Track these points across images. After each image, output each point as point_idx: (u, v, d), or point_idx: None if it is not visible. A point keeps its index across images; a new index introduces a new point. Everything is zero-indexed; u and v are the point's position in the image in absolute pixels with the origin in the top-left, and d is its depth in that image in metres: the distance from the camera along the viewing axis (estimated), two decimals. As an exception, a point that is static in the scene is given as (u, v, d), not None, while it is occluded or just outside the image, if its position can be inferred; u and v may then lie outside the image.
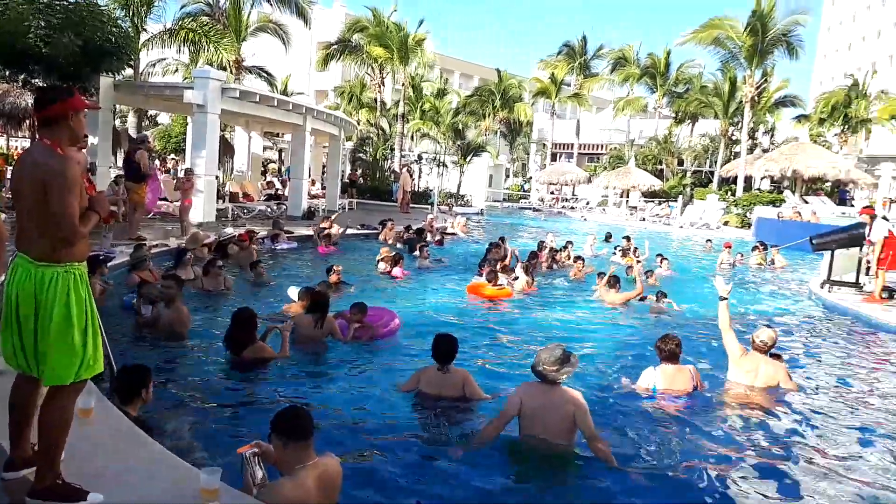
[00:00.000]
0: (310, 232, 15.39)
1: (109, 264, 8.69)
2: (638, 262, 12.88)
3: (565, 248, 15.54)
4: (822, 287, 12.56)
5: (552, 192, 43.57)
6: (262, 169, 32.56)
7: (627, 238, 17.60)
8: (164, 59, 27.10)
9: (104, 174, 16.46)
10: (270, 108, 18.54)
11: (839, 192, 36.01)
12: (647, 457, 4.84)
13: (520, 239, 20.52)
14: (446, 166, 36.55)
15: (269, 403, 5.22)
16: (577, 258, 13.67)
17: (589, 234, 19.06)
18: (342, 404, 5.46)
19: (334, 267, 9.90)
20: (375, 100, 36.20)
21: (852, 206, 32.22)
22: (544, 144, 52.15)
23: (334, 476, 3.47)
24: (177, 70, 28.18)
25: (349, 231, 16.31)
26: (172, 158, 34.95)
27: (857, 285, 12.37)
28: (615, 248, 16.88)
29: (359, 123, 36.35)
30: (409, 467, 4.49)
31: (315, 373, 6.33)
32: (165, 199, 17.43)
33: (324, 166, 30.85)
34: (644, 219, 32.88)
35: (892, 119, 37.89)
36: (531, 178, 51.30)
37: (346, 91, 40.45)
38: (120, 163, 20.59)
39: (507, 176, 52.26)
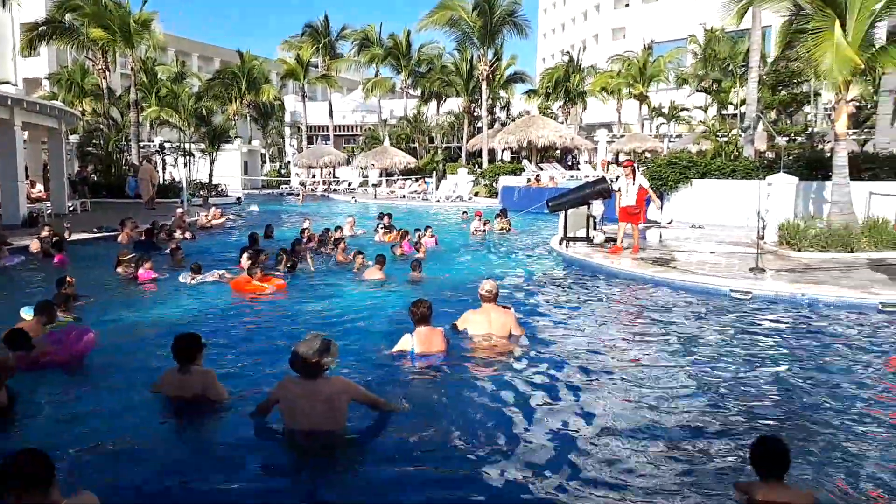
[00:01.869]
0: (27, 242, 13.43)
1: None
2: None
3: (336, 230, 15.52)
4: (560, 244, 14.07)
5: (313, 176, 43.11)
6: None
7: (389, 216, 18.02)
8: None
9: None
10: (-37, 101, 15.69)
11: (566, 158, 40.74)
12: (413, 419, 5.00)
13: (284, 226, 19.99)
14: (193, 155, 34.21)
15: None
16: (338, 240, 13.66)
17: (348, 216, 19.09)
18: (79, 432, 4.83)
19: (67, 278, 8.72)
20: (101, 87, 32.44)
21: (579, 169, 36.63)
22: (299, 127, 51.22)
23: None
24: None
25: (85, 235, 14.48)
26: None
27: (588, 239, 14.06)
28: (377, 226, 17.20)
29: (83, 114, 32.51)
30: (166, 476, 4.22)
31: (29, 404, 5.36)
32: None
33: (45, 165, 26.98)
34: (404, 196, 34.05)
35: (602, 91, 43.59)
36: (289, 162, 50.23)
37: (63, 78, 35.83)
38: None
39: (264, 161, 50.58)
